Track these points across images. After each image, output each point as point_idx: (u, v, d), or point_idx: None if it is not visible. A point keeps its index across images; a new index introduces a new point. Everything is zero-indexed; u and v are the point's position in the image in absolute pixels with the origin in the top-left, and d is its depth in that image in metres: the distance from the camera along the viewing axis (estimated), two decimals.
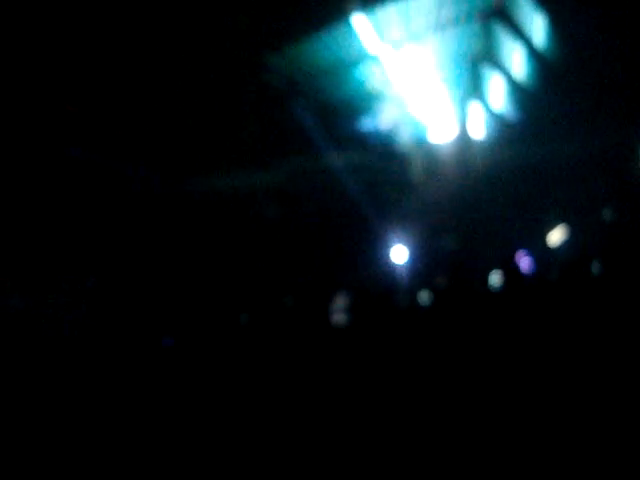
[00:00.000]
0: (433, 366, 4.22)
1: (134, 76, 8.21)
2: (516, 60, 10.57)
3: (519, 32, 9.95)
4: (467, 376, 4.05)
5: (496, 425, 3.63)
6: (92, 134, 7.95)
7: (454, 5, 9.63)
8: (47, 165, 7.43)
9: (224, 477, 3.54)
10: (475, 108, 11.51)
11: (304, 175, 10.20)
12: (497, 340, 4.35)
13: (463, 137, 11.46)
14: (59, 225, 7.36)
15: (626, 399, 3.56)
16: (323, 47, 9.55)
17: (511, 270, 6.33)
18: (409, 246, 10.26)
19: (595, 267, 5.53)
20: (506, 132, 11.09)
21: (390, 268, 10.06)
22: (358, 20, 9.20)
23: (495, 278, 6.52)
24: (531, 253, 8.13)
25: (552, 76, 10.01)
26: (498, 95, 11.30)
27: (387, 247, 10.30)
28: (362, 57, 10.05)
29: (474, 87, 11.32)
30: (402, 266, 10.10)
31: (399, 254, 10.26)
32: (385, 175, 10.79)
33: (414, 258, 10.14)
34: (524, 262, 7.96)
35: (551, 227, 10.39)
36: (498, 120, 11.41)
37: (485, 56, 10.90)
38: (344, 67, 10.21)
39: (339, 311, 6.27)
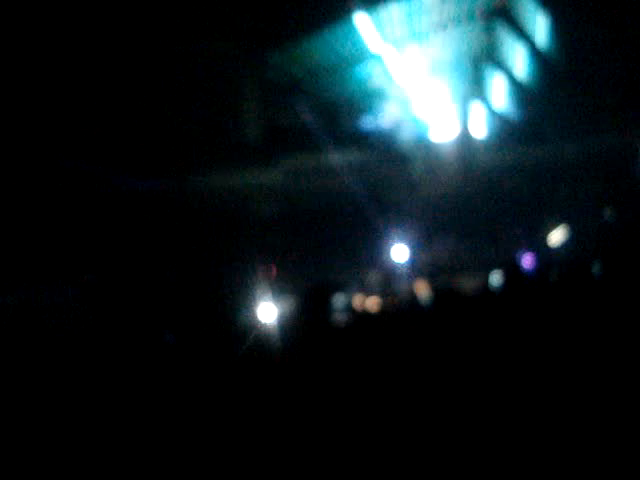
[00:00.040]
0: (433, 366, 4.23)
1: (134, 76, 8.22)
2: (518, 60, 10.57)
3: (521, 32, 9.96)
4: (467, 376, 4.05)
5: (496, 425, 3.64)
6: (91, 133, 7.96)
7: (456, 4, 9.64)
8: (46, 164, 7.44)
9: (224, 477, 3.55)
10: (477, 107, 11.50)
11: (305, 173, 10.21)
12: (497, 340, 4.35)
13: (465, 136, 11.45)
14: (58, 223, 7.37)
15: (627, 399, 3.57)
16: (325, 45, 9.56)
17: (511, 270, 6.32)
18: (410, 245, 10.25)
19: (596, 267, 5.52)
20: (508, 131, 11.08)
21: (390, 267, 10.05)
22: (360, 19, 9.21)
23: (495, 278, 6.52)
24: (532, 253, 8.14)
25: (554, 76, 10.01)
26: (500, 94, 11.29)
27: (388, 246, 10.29)
28: (364, 56, 10.06)
29: (476, 86, 11.31)
30: (403, 265, 10.09)
31: (400, 253, 10.25)
32: (386, 173, 10.80)
33: (415, 257, 10.13)
34: (525, 262, 7.98)
35: (552, 227, 10.38)
36: (500, 119, 11.39)
37: (487, 55, 10.90)
38: (346, 66, 10.23)
39: (339, 311, 6.27)
